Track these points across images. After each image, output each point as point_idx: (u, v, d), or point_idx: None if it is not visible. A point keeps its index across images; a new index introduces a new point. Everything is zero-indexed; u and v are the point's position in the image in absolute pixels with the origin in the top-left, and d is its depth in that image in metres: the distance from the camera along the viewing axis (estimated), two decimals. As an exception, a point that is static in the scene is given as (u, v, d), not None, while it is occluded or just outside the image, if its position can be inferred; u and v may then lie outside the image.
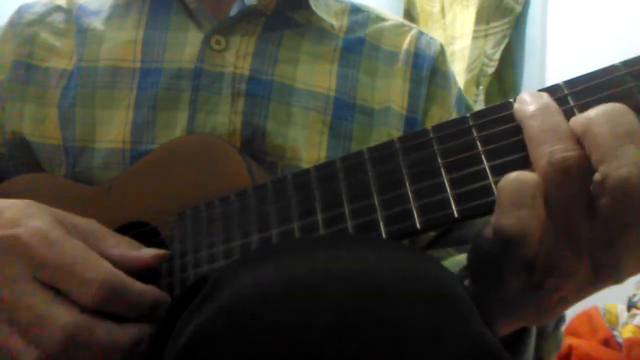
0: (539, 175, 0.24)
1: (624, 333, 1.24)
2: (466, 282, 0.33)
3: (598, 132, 0.23)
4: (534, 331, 0.36)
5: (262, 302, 0.21)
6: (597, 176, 0.23)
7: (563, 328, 0.39)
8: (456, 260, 0.46)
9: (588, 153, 0.24)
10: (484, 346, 0.21)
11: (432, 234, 0.51)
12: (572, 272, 0.25)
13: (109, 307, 0.31)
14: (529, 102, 0.27)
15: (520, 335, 0.35)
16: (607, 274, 0.25)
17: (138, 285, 0.33)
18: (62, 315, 0.30)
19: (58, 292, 0.31)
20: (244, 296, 0.22)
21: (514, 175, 0.25)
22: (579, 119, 0.25)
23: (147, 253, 0.36)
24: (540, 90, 0.28)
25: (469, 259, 0.30)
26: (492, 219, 0.26)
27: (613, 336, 1.22)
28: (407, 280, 0.22)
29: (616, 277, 0.26)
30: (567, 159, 0.24)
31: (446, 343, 0.20)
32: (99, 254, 0.33)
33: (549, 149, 0.24)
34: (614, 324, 1.30)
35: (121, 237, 0.37)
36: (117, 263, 0.33)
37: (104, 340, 0.31)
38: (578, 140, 0.24)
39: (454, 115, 0.54)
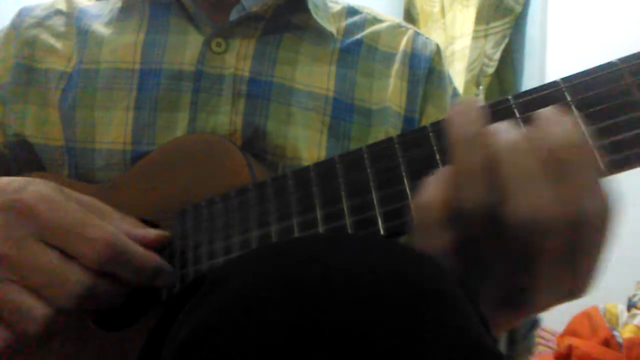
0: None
1: (624, 333, 1.24)
2: None
3: (505, 174, 0.25)
4: (503, 336, 0.37)
5: (260, 302, 0.21)
6: (500, 213, 0.25)
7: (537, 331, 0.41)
8: None
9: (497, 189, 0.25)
10: (481, 346, 0.21)
11: None
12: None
13: (113, 267, 0.33)
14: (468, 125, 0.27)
15: None
16: (519, 300, 0.27)
17: (141, 249, 0.35)
18: (75, 273, 0.32)
19: (64, 253, 0.32)
20: (241, 295, 0.22)
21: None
22: (491, 153, 0.25)
23: (151, 232, 0.37)
24: (535, 88, 0.28)
25: None
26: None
27: (613, 336, 1.22)
28: (405, 280, 0.22)
29: (529, 305, 0.27)
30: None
31: (444, 343, 0.20)
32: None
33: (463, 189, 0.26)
34: (614, 324, 1.30)
35: (126, 215, 0.38)
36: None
37: (111, 298, 0.33)
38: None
39: None
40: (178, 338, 0.22)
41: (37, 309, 0.31)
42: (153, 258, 0.35)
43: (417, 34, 0.57)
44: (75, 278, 0.31)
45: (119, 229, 0.35)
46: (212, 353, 0.20)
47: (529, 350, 0.39)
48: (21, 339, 0.32)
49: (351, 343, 0.20)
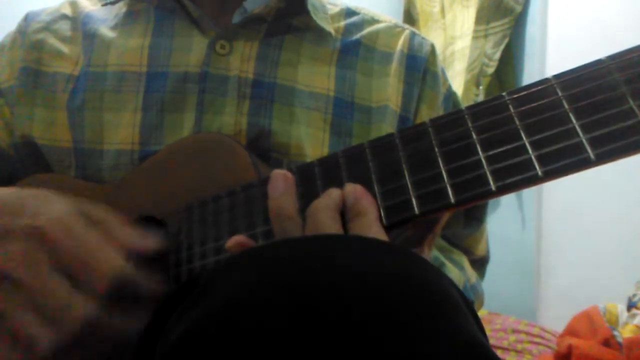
0: None
1: (624, 333, 1.24)
2: None
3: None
4: None
5: (251, 305, 0.21)
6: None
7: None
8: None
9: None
10: (474, 347, 0.21)
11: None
12: None
13: (120, 297, 0.33)
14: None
15: None
16: None
17: (141, 278, 0.35)
18: (82, 305, 0.32)
19: (76, 282, 0.33)
20: (233, 298, 0.22)
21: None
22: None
23: (151, 244, 0.38)
24: (529, 85, 0.29)
25: None
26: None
27: (613, 336, 1.23)
28: (399, 281, 0.22)
29: None
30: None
31: (438, 343, 0.20)
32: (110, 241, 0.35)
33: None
34: (614, 324, 1.30)
35: (130, 225, 0.38)
36: (127, 250, 0.35)
37: (117, 328, 0.34)
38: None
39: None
40: (170, 339, 0.22)
41: (44, 337, 0.31)
42: (159, 288, 0.36)
43: (413, 34, 0.58)
44: (82, 310, 0.32)
45: (123, 243, 0.36)
46: (203, 355, 0.21)
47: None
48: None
49: (349, 344, 0.20)
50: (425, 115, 0.55)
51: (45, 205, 0.34)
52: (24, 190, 0.36)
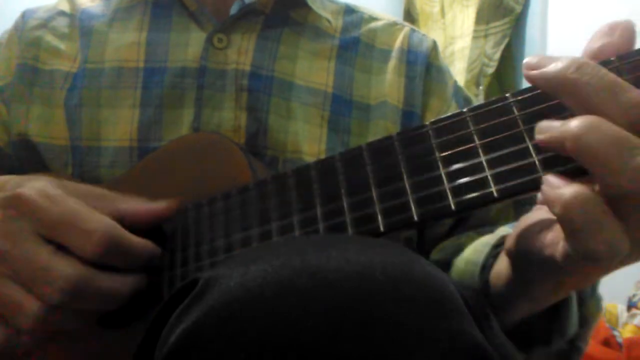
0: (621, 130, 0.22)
1: (624, 333, 1.24)
2: (501, 262, 0.35)
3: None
4: (574, 297, 0.35)
5: (250, 304, 0.21)
6: None
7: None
8: (483, 242, 0.44)
9: None
10: (471, 346, 0.21)
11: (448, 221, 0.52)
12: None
13: (108, 258, 0.33)
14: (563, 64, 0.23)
15: (562, 302, 0.35)
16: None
17: (135, 239, 0.34)
18: (65, 267, 0.31)
19: (60, 248, 0.32)
20: (232, 298, 0.22)
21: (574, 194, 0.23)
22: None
23: (143, 206, 0.37)
24: (534, 86, 0.28)
25: (513, 253, 0.31)
26: (567, 245, 0.24)
27: (613, 336, 1.23)
28: (397, 281, 0.22)
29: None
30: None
31: (434, 343, 0.20)
32: (111, 212, 0.34)
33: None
34: (614, 324, 1.30)
35: (121, 195, 0.38)
36: (130, 218, 0.35)
37: (104, 289, 0.33)
38: None
39: (453, 108, 0.55)
40: (169, 342, 0.22)
41: (27, 305, 0.31)
42: (147, 246, 0.36)
43: (412, 30, 0.58)
44: (65, 273, 0.31)
45: (114, 211, 0.35)
46: (202, 355, 0.21)
47: (599, 308, 0.37)
48: (16, 334, 0.32)
49: (347, 342, 0.20)
50: (436, 108, 0.54)
51: (27, 180, 0.35)
52: (5, 176, 0.36)
